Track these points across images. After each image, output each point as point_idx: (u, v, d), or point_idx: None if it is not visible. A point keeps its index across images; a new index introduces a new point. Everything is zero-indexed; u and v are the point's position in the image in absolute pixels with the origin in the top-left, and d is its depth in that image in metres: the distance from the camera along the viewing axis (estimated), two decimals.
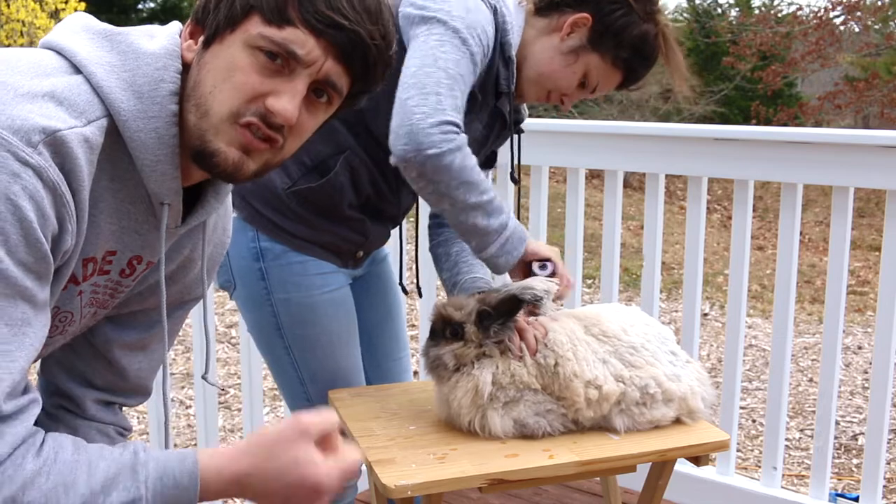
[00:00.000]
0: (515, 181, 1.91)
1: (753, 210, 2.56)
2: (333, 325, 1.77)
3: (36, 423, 1.28)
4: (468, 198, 1.50)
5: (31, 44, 9.67)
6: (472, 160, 1.50)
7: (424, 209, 2.11)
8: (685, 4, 16.04)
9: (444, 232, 1.88)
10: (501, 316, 1.55)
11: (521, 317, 1.58)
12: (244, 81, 1.04)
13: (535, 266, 1.65)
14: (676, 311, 6.15)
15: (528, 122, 1.99)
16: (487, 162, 1.85)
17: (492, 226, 1.56)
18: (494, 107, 1.73)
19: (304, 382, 1.79)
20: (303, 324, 1.74)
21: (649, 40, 1.69)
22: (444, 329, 1.57)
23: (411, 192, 1.71)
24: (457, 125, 1.45)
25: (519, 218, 1.78)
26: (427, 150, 1.42)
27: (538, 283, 1.54)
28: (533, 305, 1.59)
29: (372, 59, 1.09)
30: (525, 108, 1.92)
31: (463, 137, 1.47)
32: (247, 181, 1.11)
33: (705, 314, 6.30)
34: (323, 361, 1.77)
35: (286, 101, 1.05)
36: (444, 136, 1.42)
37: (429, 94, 1.43)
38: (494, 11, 1.63)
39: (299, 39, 1.04)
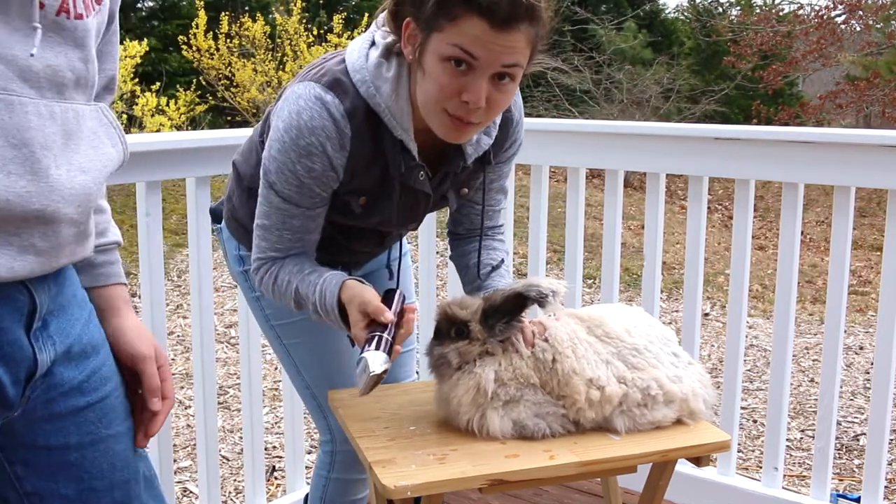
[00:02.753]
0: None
1: (754, 210, 2.55)
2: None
3: None
4: (289, 304, 1.67)
5: None
6: (278, 285, 1.64)
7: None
8: (686, 3, 16.04)
9: (460, 244, 1.88)
10: (507, 314, 1.55)
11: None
12: None
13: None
14: (677, 312, 6.14)
15: (529, 122, 1.95)
16: (442, 202, 1.76)
17: (310, 308, 1.65)
18: (406, 186, 1.63)
19: (300, 370, 1.85)
20: (284, 315, 1.82)
21: None
22: (449, 329, 1.57)
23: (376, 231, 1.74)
24: (262, 260, 1.66)
25: (517, 218, 1.76)
26: (257, 285, 1.72)
27: (544, 281, 1.53)
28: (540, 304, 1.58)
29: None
30: (478, 141, 1.64)
31: (267, 270, 1.65)
32: None
33: (706, 314, 6.29)
34: (310, 348, 1.83)
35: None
36: (257, 277, 1.68)
37: (254, 246, 1.67)
38: (335, 118, 1.51)
39: None
